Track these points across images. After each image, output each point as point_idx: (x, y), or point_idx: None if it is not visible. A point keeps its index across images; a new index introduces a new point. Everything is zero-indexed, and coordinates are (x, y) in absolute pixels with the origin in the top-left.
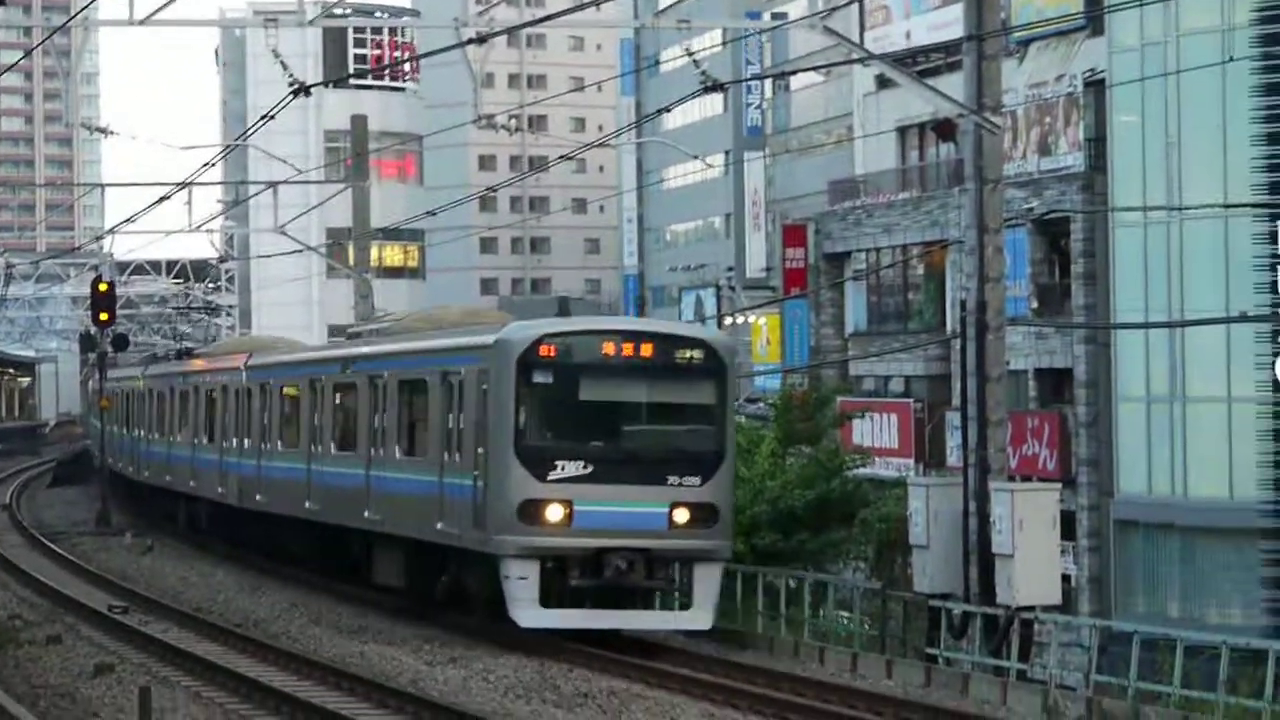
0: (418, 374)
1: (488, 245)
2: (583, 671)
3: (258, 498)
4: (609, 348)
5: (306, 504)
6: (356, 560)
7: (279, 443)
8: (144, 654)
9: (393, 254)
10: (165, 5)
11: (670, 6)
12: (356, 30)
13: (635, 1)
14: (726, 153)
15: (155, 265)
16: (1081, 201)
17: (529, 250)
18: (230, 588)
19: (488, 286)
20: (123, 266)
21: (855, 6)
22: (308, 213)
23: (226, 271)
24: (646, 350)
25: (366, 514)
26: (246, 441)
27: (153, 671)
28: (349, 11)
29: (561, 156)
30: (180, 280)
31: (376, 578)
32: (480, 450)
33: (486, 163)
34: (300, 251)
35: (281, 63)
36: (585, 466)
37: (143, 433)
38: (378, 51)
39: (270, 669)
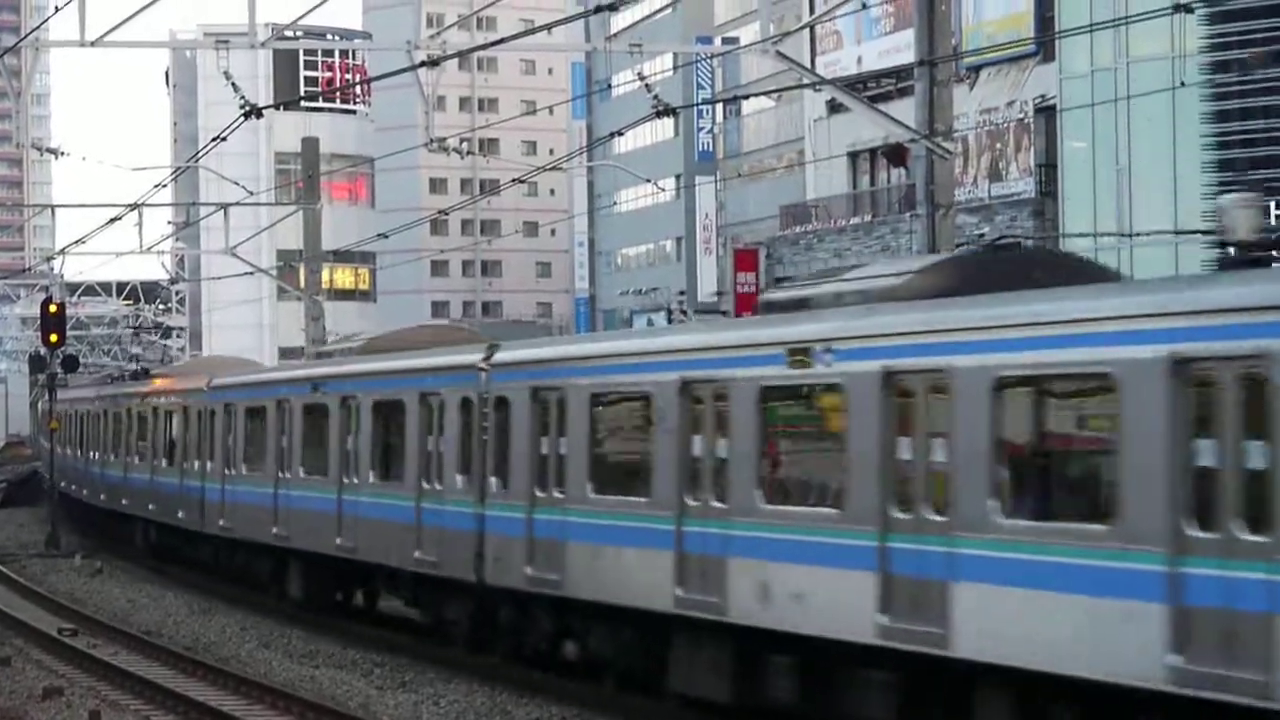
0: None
1: (438, 268)
2: (535, 698)
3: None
4: None
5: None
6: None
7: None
8: (93, 677)
9: (344, 276)
10: (116, 27)
11: (622, 31)
12: (308, 53)
13: (586, 25)
14: (678, 177)
15: (106, 287)
16: (1033, 227)
17: (480, 273)
18: (180, 610)
19: (438, 309)
20: (73, 288)
21: (807, 32)
22: (258, 235)
23: (177, 293)
24: None
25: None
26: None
27: (102, 695)
28: (300, 34)
29: (513, 180)
30: (131, 302)
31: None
32: None
33: (438, 185)
34: (251, 274)
35: (233, 84)
36: None
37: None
38: (329, 74)
39: (221, 693)
